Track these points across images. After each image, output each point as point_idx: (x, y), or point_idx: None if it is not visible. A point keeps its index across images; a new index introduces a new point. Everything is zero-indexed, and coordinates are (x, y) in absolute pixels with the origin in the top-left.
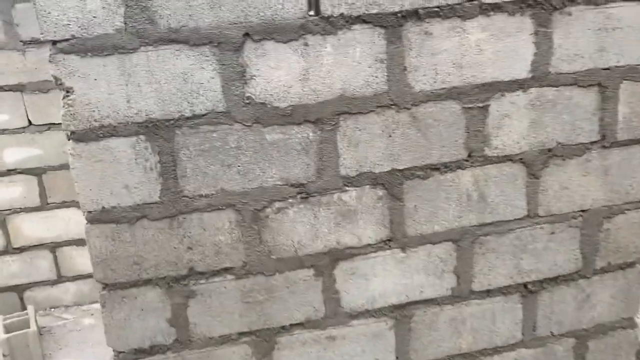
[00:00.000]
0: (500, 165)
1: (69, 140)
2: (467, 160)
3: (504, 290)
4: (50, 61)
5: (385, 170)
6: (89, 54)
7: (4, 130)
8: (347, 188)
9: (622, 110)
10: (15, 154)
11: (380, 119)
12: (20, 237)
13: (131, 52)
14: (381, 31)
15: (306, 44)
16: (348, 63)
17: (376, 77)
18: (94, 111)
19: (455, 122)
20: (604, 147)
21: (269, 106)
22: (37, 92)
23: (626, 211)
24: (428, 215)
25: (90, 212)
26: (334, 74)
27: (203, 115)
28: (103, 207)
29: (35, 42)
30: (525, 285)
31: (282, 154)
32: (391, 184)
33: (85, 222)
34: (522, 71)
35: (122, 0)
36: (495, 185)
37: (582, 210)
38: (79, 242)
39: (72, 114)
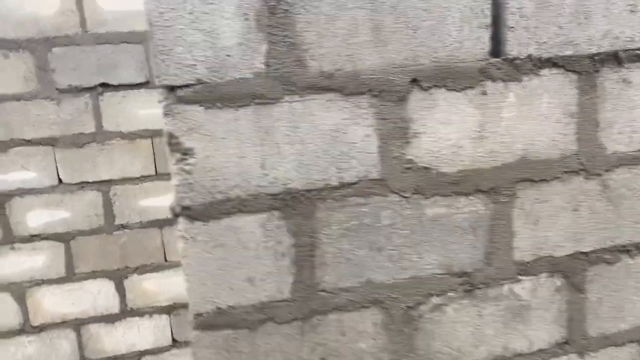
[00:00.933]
0: None
1: (175, 216)
2: None
3: None
4: (166, 114)
5: (567, 253)
6: (218, 104)
7: (30, 190)
8: (520, 277)
9: None
10: (41, 217)
11: (566, 188)
12: (40, 313)
13: (272, 103)
14: (573, 77)
15: (484, 93)
16: (533, 117)
17: (564, 134)
18: (218, 180)
19: None
20: None
21: (433, 172)
22: (70, 146)
23: None
24: (613, 311)
25: (200, 314)
26: (515, 130)
27: (353, 184)
28: (219, 308)
29: (73, 90)
30: None
31: (445, 233)
32: (572, 271)
33: (194, 328)
34: None
35: (264, 35)
36: None
37: None
38: (108, 319)
39: (189, 183)
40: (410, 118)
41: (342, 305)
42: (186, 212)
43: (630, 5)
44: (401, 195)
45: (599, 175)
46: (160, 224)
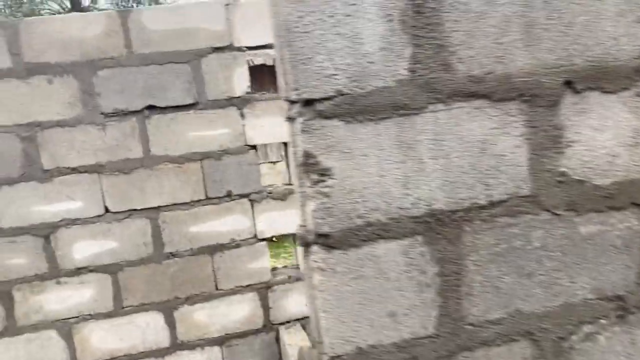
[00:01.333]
0: None
1: (306, 245)
2: None
3: None
4: (303, 130)
5: None
6: (359, 118)
7: (76, 220)
8: None
9: None
10: (88, 248)
11: None
12: (88, 350)
13: (415, 114)
14: None
15: (638, 94)
16: None
17: None
18: (358, 202)
19: None
20: None
21: (587, 185)
22: (117, 172)
23: None
24: None
25: (338, 356)
26: None
27: (502, 202)
28: (359, 348)
29: (119, 114)
30: None
31: (598, 253)
32: None
33: None
34: None
35: (409, 38)
36: None
37: None
38: (158, 354)
39: (327, 207)
40: (563, 125)
41: (489, 340)
42: (323, 240)
43: None
44: (553, 213)
45: None
46: (211, 250)
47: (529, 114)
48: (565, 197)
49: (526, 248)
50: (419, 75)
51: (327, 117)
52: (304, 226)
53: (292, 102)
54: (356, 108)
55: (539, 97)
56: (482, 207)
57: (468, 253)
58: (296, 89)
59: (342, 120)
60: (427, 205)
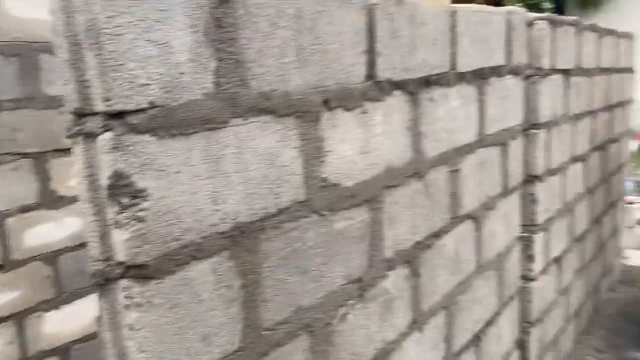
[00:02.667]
0: (466, 223)
1: (108, 283)
2: (450, 223)
3: None
4: (114, 147)
5: (410, 245)
6: (173, 132)
7: None
8: (387, 273)
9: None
10: None
11: (408, 190)
12: None
13: (220, 128)
14: (407, 98)
15: (365, 112)
16: (391, 132)
17: (406, 145)
18: (173, 224)
19: (445, 188)
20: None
21: (340, 187)
22: None
23: None
24: (433, 286)
25: None
26: (383, 145)
27: (286, 209)
28: None
29: None
30: None
31: (347, 244)
32: (412, 258)
33: None
34: (472, 134)
35: (213, 51)
36: (463, 244)
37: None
38: None
39: (143, 234)
40: (323, 137)
41: (281, 341)
42: (136, 271)
43: (433, 39)
44: (320, 214)
45: (422, 177)
46: None
47: (301, 128)
48: (327, 200)
49: (303, 249)
50: (223, 90)
51: (140, 132)
52: (106, 260)
53: (87, 114)
54: (169, 122)
55: (307, 114)
56: (273, 216)
57: (263, 261)
58: (107, 100)
59: (155, 135)
60: (232, 219)
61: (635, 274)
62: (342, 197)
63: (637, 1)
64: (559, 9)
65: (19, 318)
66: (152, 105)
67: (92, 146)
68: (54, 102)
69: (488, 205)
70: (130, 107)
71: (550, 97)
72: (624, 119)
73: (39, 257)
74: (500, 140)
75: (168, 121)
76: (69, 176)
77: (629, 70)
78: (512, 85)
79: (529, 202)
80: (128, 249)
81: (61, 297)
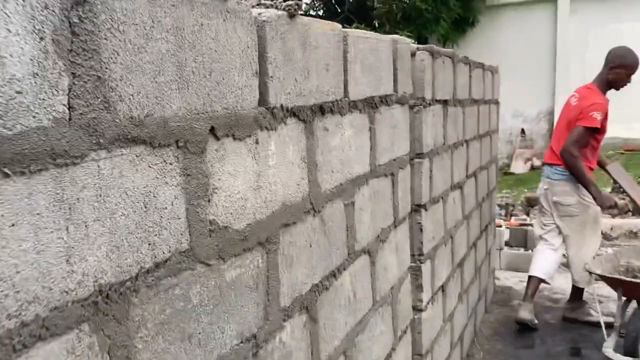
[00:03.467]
0: (362, 259)
1: None
2: (347, 260)
3: None
4: None
5: (308, 289)
6: (7, 171)
7: None
8: (284, 324)
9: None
10: None
11: (304, 227)
12: None
13: (75, 163)
14: (302, 126)
15: (257, 142)
16: (286, 164)
17: (302, 178)
18: (8, 296)
19: (341, 222)
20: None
21: (230, 230)
22: None
23: None
24: (331, 331)
25: None
26: (278, 178)
27: (165, 261)
28: None
29: None
30: None
31: (238, 296)
32: (310, 303)
33: None
34: (365, 165)
35: (66, 65)
36: (360, 281)
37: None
38: None
39: None
40: (209, 172)
41: None
42: None
43: (325, 64)
44: (206, 264)
45: (319, 212)
46: None
47: (184, 161)
48: (215, 246)
49: (187, 308)
50: (80, 114)
51: None
52: None
53: None
54: (2, 157)
55: (190, 144)
56: (148, 271)
57: (136, 330)
58: None
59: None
60: (94, 281)
61: (506, 294)
62: (233, 241)
63: (491, 38)
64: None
65: None
66: None
67: None
68: None
69: (381, 238)
70: None
71: (432, 126)
72: (491, 148)
73: None
74: (390, 171)
75: (1, 156)
76: None
77: (494, 101)
78: (399, 115)
79: (416, 231)
80: None
81: None
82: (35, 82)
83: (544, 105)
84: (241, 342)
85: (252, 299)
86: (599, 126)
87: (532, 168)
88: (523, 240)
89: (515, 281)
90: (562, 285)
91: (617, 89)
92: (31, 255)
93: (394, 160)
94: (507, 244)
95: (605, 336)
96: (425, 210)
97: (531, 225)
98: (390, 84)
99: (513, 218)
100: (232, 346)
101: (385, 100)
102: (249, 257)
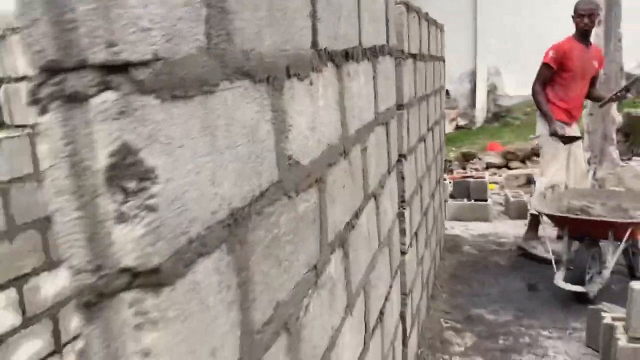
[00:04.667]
0: (371, 202)
1: (124, 291)
2: (363, 202)
3: None
4: (121, 112)
5: (343, 226)
6: (176, 94)
7: None
8: (330, 256)
9: None
10: None
11: (340, 169)
12: None
13: (212, 92)
14: (335, 70)
15: (311, 83)
16: (328, 105)
17: (337, 121)
18: (181, 213)
19: (360, 166)
20: None
21: (300, 166)
22: None
23: None
24: (357, 267)
25: None
26: (324, 118)
27: (266, 191)
28: None
29: None
30: None
31: (304, 228)
32: (344, 240)
33: None
34: (371, 112)
35: None
36: (371, 223)
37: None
38: None
39: (155, 228)
40: (286, 110)
41: (268, 343)
42: (150, 278)
43: (348, 10)
44: (288, 196)
45: (347, 155)
46: None
47: (272, 98)
48: (293, 180)
49: (278, 236)
50: (215, 44)
51: (145, 92)
52: (99, 269)
53: (69, 69)
54: (172, 81)
55: (276, 80)
56: (256, 200)
57: (252, 253)
58: (111, 45)
59: (159, 98)
60: (228, 205)
61: (455, 242)
62: (301, 176)
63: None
64: None
65: None
66: (156, 58)
67: (79, 113)
68: None
69: (381, 184)
70: (135, 57)
71: (407, 79)
72: (441, 104)
73: None
74: (385, 120)
75: (171, 80)
76: None
77: (442, 59)
78: (389, 66)
79: (399, 180)
80: (138, 249)
81: None
82: (187, 10)
83: (466, 66)
84: (308, 271)
85: (312, 233)
86: (550, 63)
87: (457, 127)
88: (466, 191)
89: (462, 229)
90: (506, 230)
91: (584, 32)
92: (192, 177)
93: (388, 109)
94: (451, 196)
95: (555, 270)
96: (406, 159)
97: (472, 177)
98: (384, 34)
99: (455, 172)
100: (302, 274)
101: (382, 50)
102: (310, 192)
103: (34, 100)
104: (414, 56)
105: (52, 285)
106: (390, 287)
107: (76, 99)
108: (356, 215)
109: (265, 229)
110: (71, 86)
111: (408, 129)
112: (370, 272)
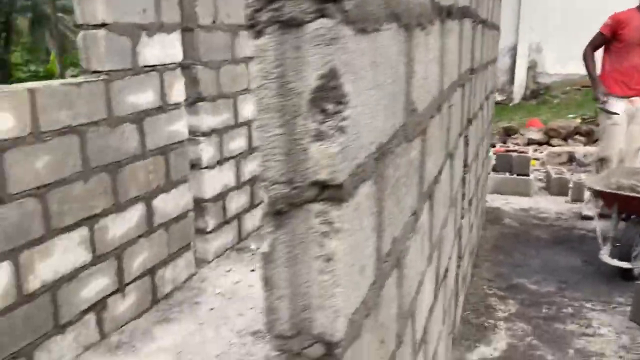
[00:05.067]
0: (449, 160)
1: (311, 202)
2: (444, 159)
3: None
4: (331, 39)
5: (432, 179)
6: (363, 26)
7: None
8: (423, 205)
9: None
10: None
11: (435, 122)
12: None
13: (379, 29)
14: (439, 26)
15: (428, 34)
16: (434, 58)
17: (438, 74)
18: (357, 139)
19: (447, 122)
20: None
21: (416, 113)
22: None
23: None
24: (436, 219)
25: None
26: (432, 70)
27: (396, 131)
28: (351, 321)
29: None
30: None
31: (410, 174)
32: (432, 192)
33: None
34: (455, 73)
35: None
36: (453, 180)
37: None
38: None
39: (344, 148)
40: (412, 56)
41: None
42: (334, 192)
43: None
44: (407, 140)
45: (441, 110)
46: None
47: (405, 44)
48: (412, 125)
49: (399, 177)
50: None
51: (348, 23)
52: (291, 182)
53: None
54: (362, 14)
55: (408, 28)
56: (391, 139)
57: (385, 188)
58: None
59: (353, 30)
60: (378, 139)
61: (497, 214)
62: (416, 122)
63: None
64: None
65: None
66: None
67: (292, 38)
68: None
69: (456, 144)
70: None
71: (479, 44)
72: (494, 74)
73: None
74: (463, 81)
75: (361, 13)
76: None
77: (498, 28)
78: (469, 29)
79: (465, 144)
80: (332, 165)
81: None
82: None
83: (507, 41)
84: (411, 214)
85: (415, 180)
86: (603, 30)
87: (496, 103)
88: (508, 165)
89: (502, 202)
90: (547, 206)
91: None
92: (364, 107)
93: (465, 72)
94: (493, 169)
95: (601, 246)
96: (471, 124)
97: (515, 151)
98: None
99: (498, 145)
100: (408, 217)
101: (466, 12)
102: (417, 141)
103: (251, 25)
104: (483, 22)
105: (119, 227)
106: (452, 246)
107: (292, 24)
108: (440, 171)
109: (394, 167)
110: (288, 12)
111: (474, 94)
112: (443, 228)
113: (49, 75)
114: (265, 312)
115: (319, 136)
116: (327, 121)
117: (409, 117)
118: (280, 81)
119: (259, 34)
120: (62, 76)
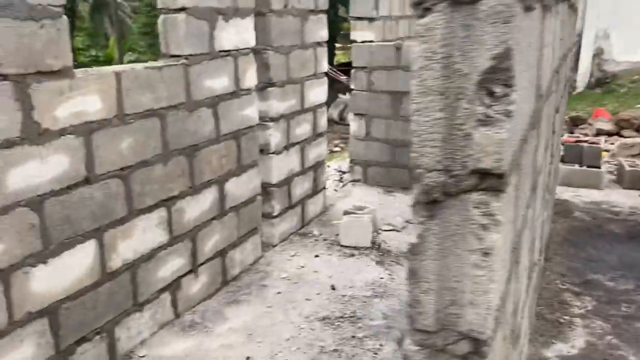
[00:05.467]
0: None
1: (470, 192)
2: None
3: None
4: (508, 18)
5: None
6: (529, 4)
7: None
8: None
9: None
10: None
11: (552, 101)
12: None
13: (533, 8)
14: (561, 6)
15: (558, 12)
16: (555, 38)
17: (555, 56)
18: (516, 124)
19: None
20: None
21: (542, 98)
22: None
23: None
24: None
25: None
26: (556, 49)
27: (530, 118)
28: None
29: None
30: None
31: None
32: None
33: None
34: (558, 54)
35: None
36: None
37: None
38: None
39: (510, 134)
40: (544, 38)
41: None
42: (494, 182)
43: None
44: (534, 128)
45: (549, 95)
46: None
47: (542, 21)
48: (538, 111)
49: (527, 164)
50: None
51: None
52: (448, 170)
53: None
54: None
55: (545, 4)
56: (530, 125)
57: (521, 178)
58: None
59: (523, 7)
60: (523, 127)
61: (566, 207)
62: (540, 110)
63: None
64: None
65: (3, 275)
66: None
67: (463, 16)
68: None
69: (549, 135)
70: None
71: (571, 27)
72: (573, 60)
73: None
74: (562, 63)
75: None
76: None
77: (576, 9)
78: (566, 11)
79: (552, 132)
80: (495, 152)
81: (49, 250)
82: None
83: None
84: (526, 207)
85: (530, 170)
86: None
87: None
88: (578, 156)
89: (571, 195)
90: (619, 199)
91: None
92: (522, 90)
93: (564, 54)
94: (562, 160)
95: None
96: (558, 112)
97: (586, 142)
98: None
99: (565, 135)
100: (524, 210)
101: None
102: (536, 128)
103: (418, 2)
104: (572, 5)
105: (194, 209)
106: (541, 240)
107: (464, 1)
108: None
109: (526, 156)
110: None
111: (561, 81)
112: (537, 220)
113: (108, 60)
114: (408, 305)
115: (486, 121)
116: (495, 104)
117: (538, 102)
118: (446, 62)
119: (425, 12)
120: (120, 61)
